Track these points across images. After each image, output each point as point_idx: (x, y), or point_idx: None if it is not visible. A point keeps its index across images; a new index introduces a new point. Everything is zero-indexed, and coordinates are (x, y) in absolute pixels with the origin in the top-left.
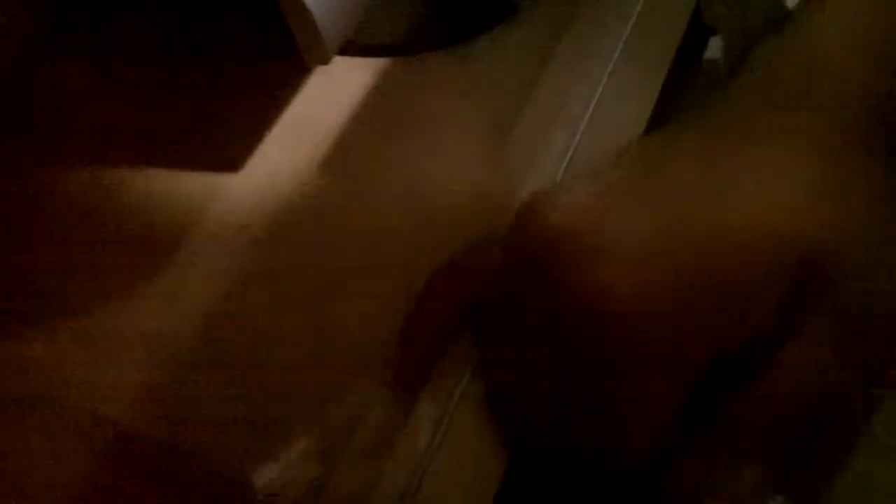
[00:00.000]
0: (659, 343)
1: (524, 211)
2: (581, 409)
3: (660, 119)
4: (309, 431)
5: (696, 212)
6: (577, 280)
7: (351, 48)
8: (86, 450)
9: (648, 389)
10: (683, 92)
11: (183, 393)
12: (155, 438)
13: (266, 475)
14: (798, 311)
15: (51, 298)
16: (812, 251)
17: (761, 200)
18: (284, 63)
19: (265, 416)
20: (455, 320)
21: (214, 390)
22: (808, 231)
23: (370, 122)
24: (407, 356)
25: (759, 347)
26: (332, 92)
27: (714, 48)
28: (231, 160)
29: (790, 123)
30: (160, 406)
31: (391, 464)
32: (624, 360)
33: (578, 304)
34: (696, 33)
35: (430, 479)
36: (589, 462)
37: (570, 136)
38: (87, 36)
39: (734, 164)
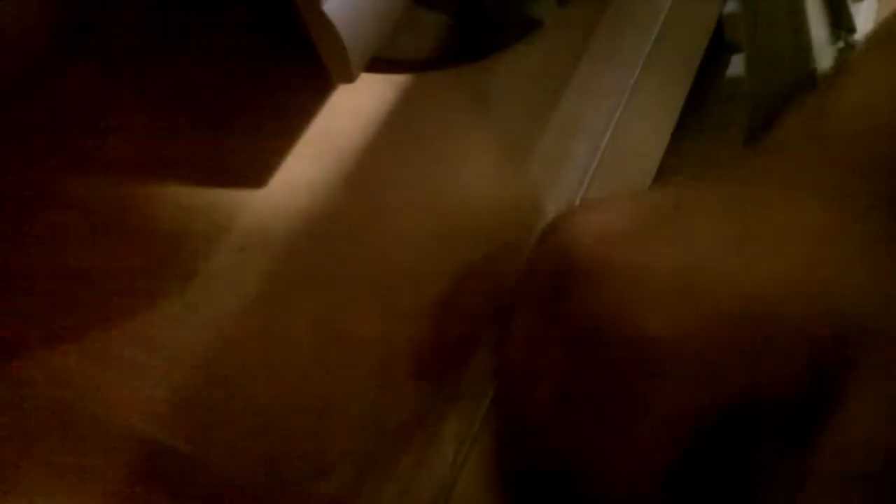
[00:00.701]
0: (679, 375)
1: (559, 225)
2: (587, 425)
3: (681, 135)
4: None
5: (732, 259)
6: (610, 302)
7: (375, 64)
8: (111, 460)
9: (657, 419)
10: (705, 108)
11: (207, 404)
12: (179, 449)
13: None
14: (842, 377)
15: (71, 311)
16: (848, 321)
17: (799, 261)
18: (308, 78)
19: (289, 427)
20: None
21: (238, 402)
22: (846, 304)
23: (393, 137)
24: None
25: (798, 410)
26: (356, 106)
27: (736, 66)
28: (255, 174)
29: (829, 185)
30: (184, 417)
31: (417, 481)
32: (638, 383)
33: (607, 325)
34: (719, 50)
35: (456, 496)
36: (588, 487)
37: (592, 150)
38: (107, 46)
39: (774, 219)
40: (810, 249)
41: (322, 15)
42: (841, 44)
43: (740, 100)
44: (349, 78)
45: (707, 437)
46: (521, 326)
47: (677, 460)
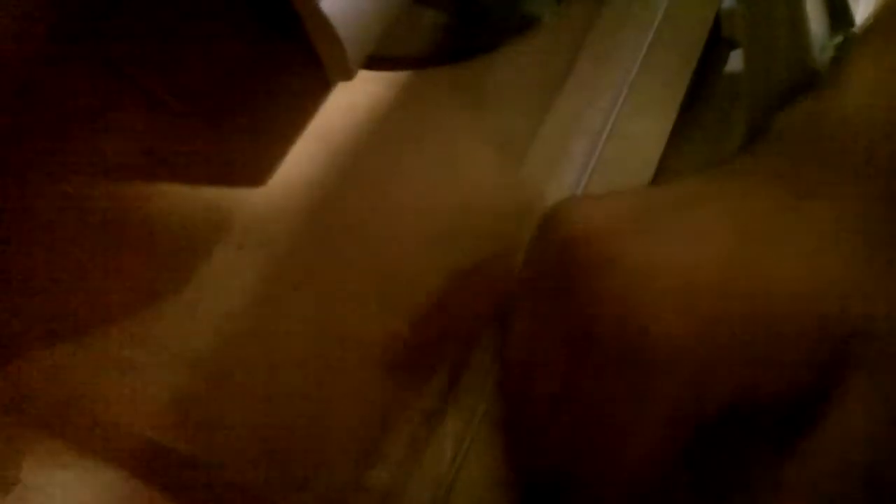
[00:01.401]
0: (679, 374)
1: (561, 217)
2: (585, 424)
3: (680, 132)
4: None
5: (733, 259)
6: (611, 299)
7: (372, 62)
8: (111, 460)
9: (655, 419)
10: (703, 105)
11: (206, 404)
12: (179, 449)
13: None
14: (838, 384)
15: (75, 307)
16: (852, 328)
17: (800, 263)
18: (306, 76)
19: (288, 427)
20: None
21: (237, 401)
22: (851, 306)
23: (390, 135)
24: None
25: (794, 415)
26: (353, 104)
27: (735, 62)
28: (253, 173)
29: (830, 184)
30: (184, 416)
31: (416, 479)
32: (637, 382)
33: (607, 323)
34: (717, 47)
35: (455, 495)
36: (585, 487)
37: (590, 147)
38: (105, 47)
39: (776, 218)
40: (812, 250)
41: (319, 12)
42: (840, 38)
43: (739, 96)
44: (347, 76)
45: (706, 436)
46: (521, 321)
47: (676, 460)
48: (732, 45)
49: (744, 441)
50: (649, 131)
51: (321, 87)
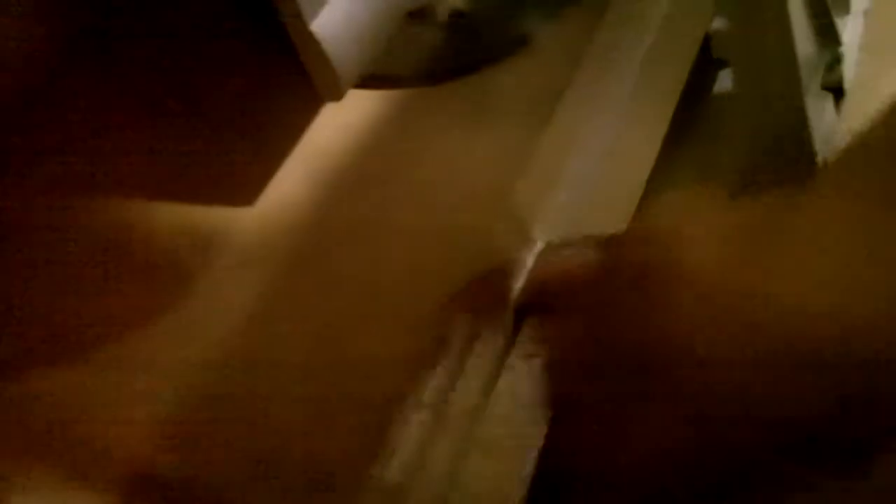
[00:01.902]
0: (685, 373)
1: (646, 231)
2: (587, 417)
3: (669, 150)
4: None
5: (740, 258)
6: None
7: (366, 80)
8: (101, 483)
9: (657, 413)
10: (693, 124)
11: (198, 426)
12: (170, 472)
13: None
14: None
15: (68, 331)
16: (852, 329)
17: (807, 265)
18: (299, 95)
19: (281, 448)
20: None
21: (229, 423)
22: (851, 307)
23: (384, 153)
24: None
25: (795, 416)
26: (346, 123)
27: (724, 82)
28: (246, 193)
29: (838, 187)
30: (175, 439)
31: (419, 479)
32: (643, 377)
33: (613, 318)
34: (707, 66)
35: (457, 493)
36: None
37: (583, 162)
38: (107, 48)
39: (785, 219)
40: (812, 250)
41: (309, 34)
42: (827, 56)
43: (728, 114)
44: (337, 96)
45: (707, 436)
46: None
47: (676, 461)
48: (722, 65)
49: (745, 441)
50: (640, 147)
51: (314, 106)
